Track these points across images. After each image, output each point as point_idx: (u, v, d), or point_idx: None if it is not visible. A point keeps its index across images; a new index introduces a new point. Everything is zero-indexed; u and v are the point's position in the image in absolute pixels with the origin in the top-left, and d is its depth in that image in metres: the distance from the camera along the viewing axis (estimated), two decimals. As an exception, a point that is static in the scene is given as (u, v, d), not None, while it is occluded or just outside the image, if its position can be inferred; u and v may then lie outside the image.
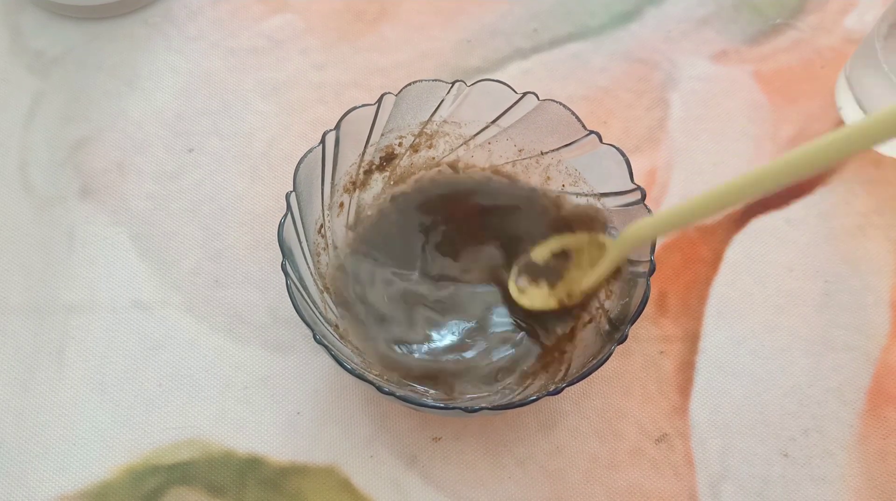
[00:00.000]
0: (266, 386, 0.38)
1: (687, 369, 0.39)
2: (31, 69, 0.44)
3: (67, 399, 0.38)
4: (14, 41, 0.45)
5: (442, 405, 0.35)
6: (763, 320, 0.40)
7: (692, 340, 0.39)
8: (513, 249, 0.39)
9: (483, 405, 0.32)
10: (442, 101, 0.37)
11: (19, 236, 0.40)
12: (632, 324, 0.32)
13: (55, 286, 0.39)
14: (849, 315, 0.40)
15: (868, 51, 0.41)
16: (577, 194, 0.38)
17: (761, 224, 0.42)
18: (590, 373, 0.32)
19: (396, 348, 0.37)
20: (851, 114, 0.43)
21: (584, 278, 0.36)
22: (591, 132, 0.36)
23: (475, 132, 0.38)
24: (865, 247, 0.41)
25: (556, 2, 0.47)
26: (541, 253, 0.38)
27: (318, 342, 0.31)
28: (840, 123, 0.44)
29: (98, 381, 0.38)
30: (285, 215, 0.33)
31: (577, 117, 0.36)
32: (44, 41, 0.45)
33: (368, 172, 0.39)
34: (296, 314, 0.32)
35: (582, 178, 0.37)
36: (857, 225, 0.42)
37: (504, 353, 0.37)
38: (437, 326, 0.38)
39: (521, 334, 0.38)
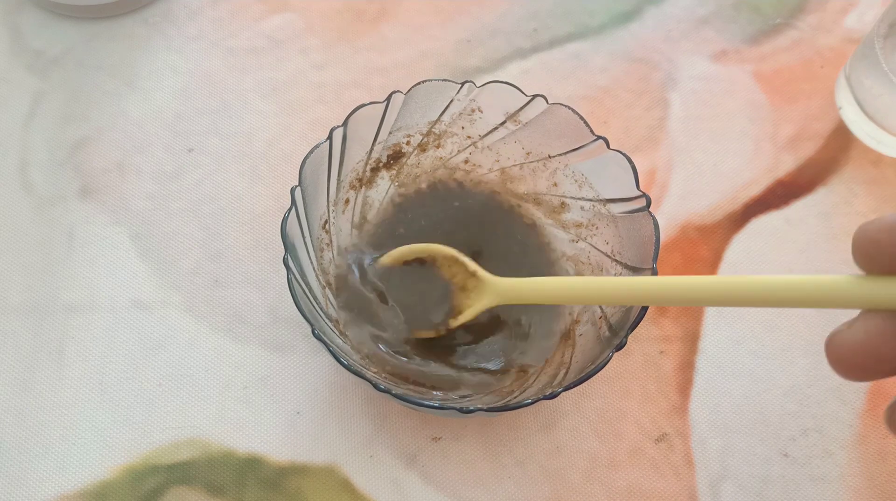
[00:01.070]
0: (266, 386, 0.38)
1: (687, 369, 0.39)
2: (31, 69, 0.44)
3: (67, 399, 0.38)
4: (14, 41, 0.45)
5: (441, 405, 0.34)
6: (763, 320, 0.40)
7: (692, 340, 0.39)
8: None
9: (481, 406, 0.32)
10: (451, 101, 0.37)
11: (19, 236, 0.40)
12: (631, 331, 0.32)
13: (55, 286, 0.39)
14: (849, 315, 0.40)
15: (868, 50, 0.41)
16: (583, 200, 0.38)
17: (761, 224, 0.42)
18: (587, 379, 0.32)
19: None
20: (851, 113, 0.43)
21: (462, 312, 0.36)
22: (599, 138, 0.36)
23: (484, 133, 0.38)
24: (865, 247, 0.41)
25: (556, 2, 0.47)
26: (391, 259, 0.37)
27: (317, 337, 0.31)
28: (840, 122, 0.44)
29: (98, 381, 0.38)
30: (289, 210, 0.33)
31: (585, 122, 0.36)
32: (43, 41, 0.45)
33: (375, 170, 0.39)
34: (296, 314, 0.32)
35: (588, 183, 0.37)
36: (857, 225, 0.42)
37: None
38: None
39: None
